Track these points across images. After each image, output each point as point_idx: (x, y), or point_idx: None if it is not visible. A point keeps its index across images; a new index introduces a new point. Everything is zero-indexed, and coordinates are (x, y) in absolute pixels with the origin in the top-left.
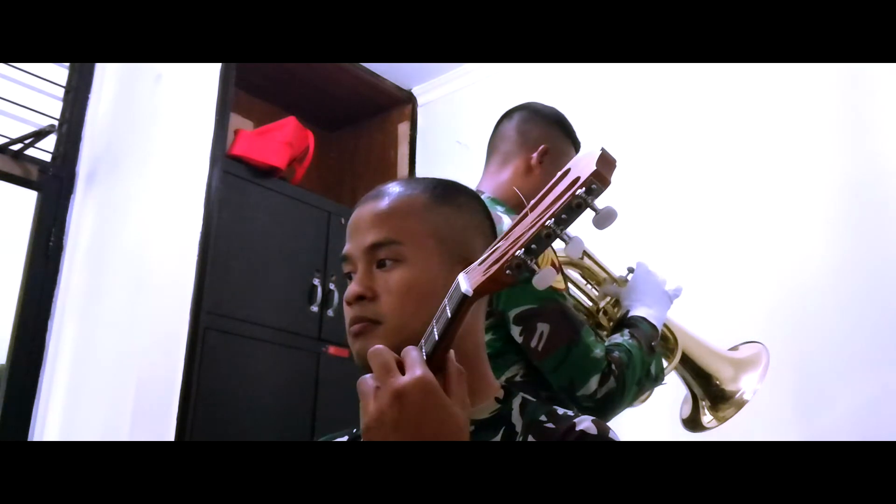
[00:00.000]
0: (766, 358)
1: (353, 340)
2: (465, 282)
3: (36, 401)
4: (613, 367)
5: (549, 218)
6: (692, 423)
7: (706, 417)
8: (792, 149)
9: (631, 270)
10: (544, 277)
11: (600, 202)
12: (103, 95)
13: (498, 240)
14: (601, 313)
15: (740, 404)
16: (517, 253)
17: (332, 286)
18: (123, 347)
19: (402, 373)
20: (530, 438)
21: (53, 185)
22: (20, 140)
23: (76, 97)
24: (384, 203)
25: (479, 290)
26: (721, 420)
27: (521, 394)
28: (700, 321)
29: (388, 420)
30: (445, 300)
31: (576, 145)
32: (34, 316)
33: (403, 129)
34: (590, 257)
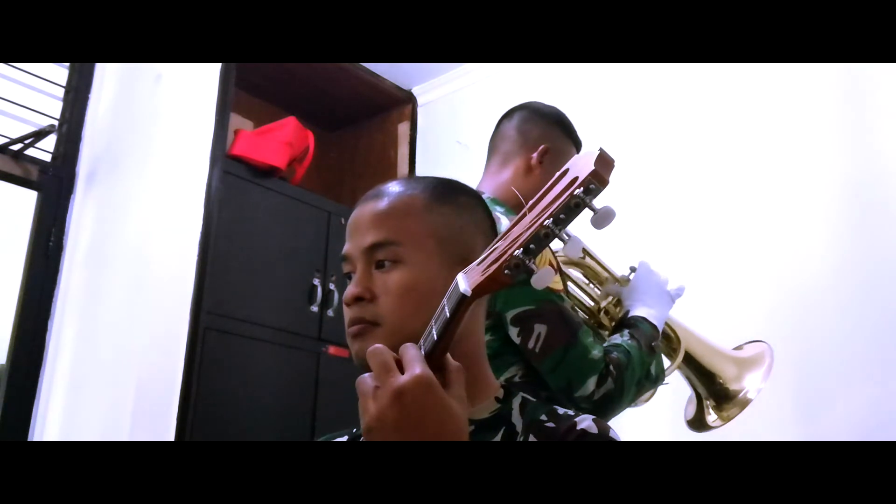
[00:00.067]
0: (769, 357)
1: (352, 341)
2: (464, 282)
3: (36, 401)
4: (611, 368)
5: (548, 218)
6: (697, 423)
7: (711, 417)
8: (792, 149)
9: (633, 270)
10: (542, 277)
11: (599, 202)
12: (103, 95)
13: (496, 240)
14: (603, 313)
15: (744, 403)
16: (516, 253)
17: (332, 286)
18: (123, 347)
19: (402, 372)
20: (531, 438)
21: (53, 185)
22: (20, 140)
23: (76, 97)
24: (383, 203)
25: (478, 290)
26: (726, 420)
27: (521, 394)
28: (700, 321)
29: (388, 420)
30: (444, 300)
31: (577, 145)
32: (34, 316)
33: (403, 129)
34: (591, 257)
